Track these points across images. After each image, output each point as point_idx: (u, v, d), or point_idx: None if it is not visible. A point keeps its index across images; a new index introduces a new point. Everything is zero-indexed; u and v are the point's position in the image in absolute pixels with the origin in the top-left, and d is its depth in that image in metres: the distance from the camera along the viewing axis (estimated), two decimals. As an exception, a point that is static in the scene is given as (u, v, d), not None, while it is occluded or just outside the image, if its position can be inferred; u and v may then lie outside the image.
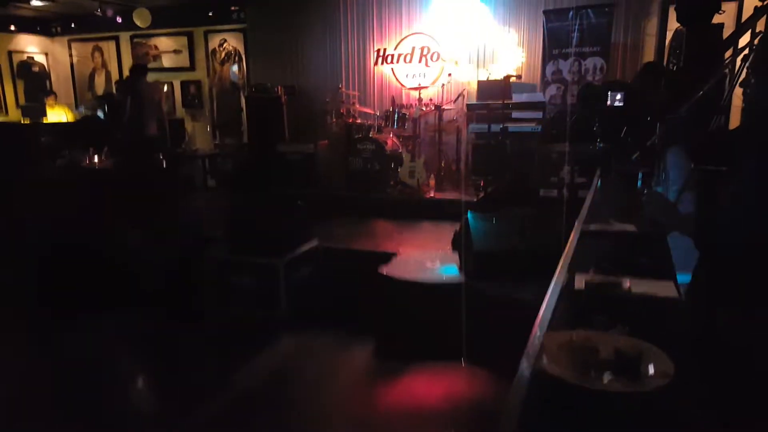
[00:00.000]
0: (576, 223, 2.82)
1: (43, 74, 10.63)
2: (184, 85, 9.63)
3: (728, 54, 3.35)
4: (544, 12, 6.50)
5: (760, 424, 0.90)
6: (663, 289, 1.42)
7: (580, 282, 1.47)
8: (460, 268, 4.12)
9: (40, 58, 10.58)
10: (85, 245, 5.18)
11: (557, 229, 3.89)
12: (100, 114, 8.85)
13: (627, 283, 1.42)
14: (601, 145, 3.42)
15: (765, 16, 3.10)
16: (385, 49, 7.94)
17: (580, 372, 1.01)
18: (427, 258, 4.64)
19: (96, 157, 6.77)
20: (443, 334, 3.80)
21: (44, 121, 8.95)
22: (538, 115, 5.88)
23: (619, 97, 3.17)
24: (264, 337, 4.31)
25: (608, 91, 3.22)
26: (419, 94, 7.30)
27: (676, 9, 4.00)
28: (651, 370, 1.02)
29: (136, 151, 6.88)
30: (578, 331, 1.15)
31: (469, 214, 4.18)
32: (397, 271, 4.27)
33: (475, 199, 6.17)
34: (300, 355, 4.08)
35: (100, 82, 10.41)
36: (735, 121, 4.58)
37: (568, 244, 1.64)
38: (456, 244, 4.67)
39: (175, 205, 6.30)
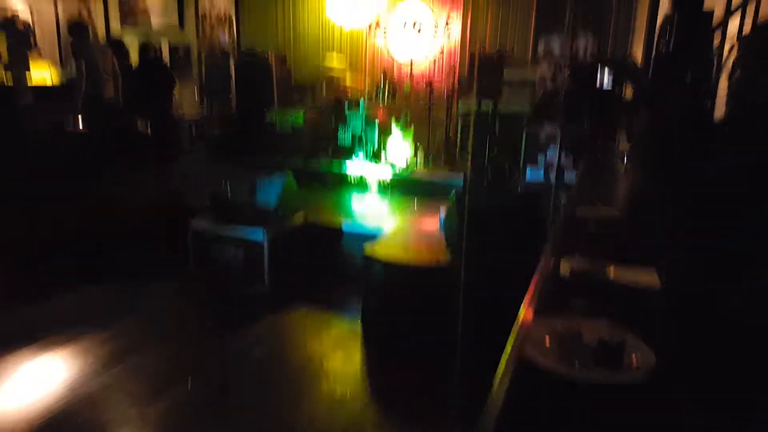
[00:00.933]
0: (562, 207, 2.85)
1: (28, 30, 10.30)
2: (173, 48, 9.41)
3: (716, 42, 3.37)
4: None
5: (744, 417, 0.94)
6: (645, 276, 1.45)
7: (565, 268, 1.49)
8: (447, 250, 4.12)
9: (24, 15, 10.23)
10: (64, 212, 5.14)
11: (544, 211, 3.94)
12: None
13: (611, 270, 1.45)
14: (591, 125, 3.43)
15: (755, 4, 3.11)
16: (378, 20, 7.81)
17: (564, 361, 1.04)
18: (415, 238, 4.65)
19: (81, 120, 6.65)
20: (429, 317, 3.85)
21: (28, 80, 8.70)
22: (528, 92, 5.85)
23: (608, 77, 3.16)
24: (246, 314, 4.33)
25: (597, 70, 3.21)
26: (411, 68, 7.23)
27: (672, -8, 3.98)
28: (633, 360, 1.05)
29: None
30: (561, 318, 1.18)
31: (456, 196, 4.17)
32: (383, 252, 4.27)
33: (462, 179, 6.17)
34: (283, 333, 4.11)
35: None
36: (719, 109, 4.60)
37: (554, 228, 1.66)
38: (444, 225, 4.68)
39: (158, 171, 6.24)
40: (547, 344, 1.09)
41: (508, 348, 1.04)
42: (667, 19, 3.26)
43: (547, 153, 5.06)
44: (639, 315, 1.24)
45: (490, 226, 3.87)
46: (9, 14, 10.02)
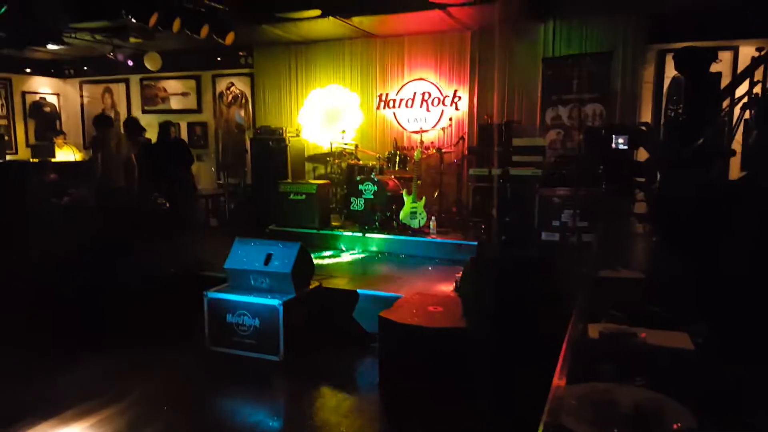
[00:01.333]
0: (585, 270, 2.81)
1: (54, 114, 10.83)
2: (191, 126, 9.79)
3: (726, 103, 3.43)
4: (544, 60, 6.67)
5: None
6: (678, 340, 1.41)
7: (593, 332, 1.46)
8: (464, 314, 4.07)
9: (51, 99, 10.80)
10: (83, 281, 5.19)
11: (564, 274, 3.90)
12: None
13: (642, 334, 1.41)
14: (607, 187, 3.46)
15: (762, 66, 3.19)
16: (387, 94, 8.10)
17: (599, 427, 0.99)
18: (431, 302, 4.60)
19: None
20: (447, 380, 3.75)
21: (52, 160, 9.05)
22: (539, 158, 5.96)
23: (622, 140, 3.22)
24: (261, 382, 4.24)
25: (612, 134, 3.28)
26: (420, 137, 7.41)
27: (674, 58, 4.11)
28: (673, 425, 1.00)
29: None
30: (596, 383, 1.14)
31: (472, 259, 4.17)
32: (400, 316, 4.23)
33: (476, 242, 6.18)
34: (300, 401, 4.01)
35: (108, 122, 10.57)
36: (734, 167, 4.63)
37: (581, 293, 1.63)
38: (460, 289, 4.64)
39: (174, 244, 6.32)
40: (583, 411, 1.04)
41: (545, 416, 1.00)
42: (674, 83, 3.36)
43: (561, 215, 5.09)
44: (675, 378, 1.20)
45: (507, 289, 3.83)
46: (38, 98, 10.57)
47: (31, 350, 4.45)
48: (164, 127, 7.41)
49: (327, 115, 8.18)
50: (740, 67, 6.33)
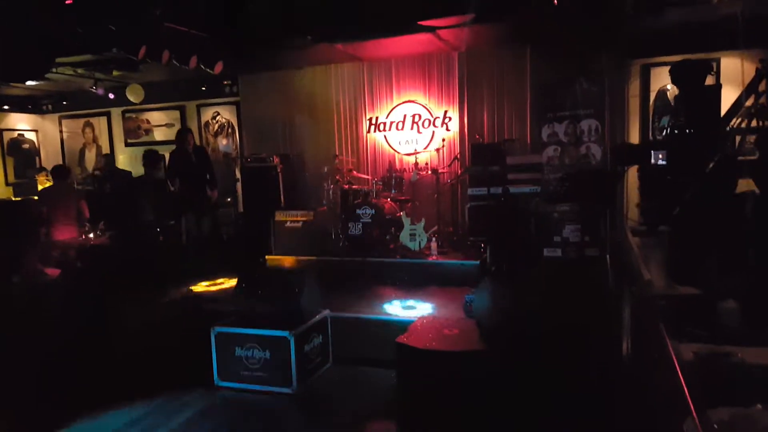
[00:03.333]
0: (631, 287, 2.81)
1: (33, 151, 10.59)
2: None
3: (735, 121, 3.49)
4: (537, 78, 6.80)
5: None
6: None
7: (687, 353, 1.43)
8: (483, 336, 4.04)
9: (30, 135, 10.57)
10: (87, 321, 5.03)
11: (580, 291, 3.90)
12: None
13: (738, 353, 1.39)
14: (645, 202, 3.49)
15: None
16: (377, 117, 8.13)
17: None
18: (445, 325, 4.56)
19: (92, 233, 6.66)
20: (469, 404, 3.70)
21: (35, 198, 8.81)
22: (536, 176, 6.02)
23: (661, 155, 3.26)
24: (275, 416, 4.13)
25: (649, 150, 3.32)
26: (415, 158, 7.43)
27: (670, 71, 4.20)
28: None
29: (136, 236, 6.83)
30: (730, 408, 1.11)
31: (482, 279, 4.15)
32: (417, 340, 4.17)
33: (478, 261, 6.17)
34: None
35: (90, 157, 10.40)
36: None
37: (645, 312, 1.61)
38: (471, 310, 4.61)
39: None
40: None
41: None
42: (659, 96, 3.42)
43: (563, 231, 5.12)
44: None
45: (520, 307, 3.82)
46: (16, 135, 10.33)
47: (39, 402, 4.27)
48: (147, 157, 7.41)
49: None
50: (723, 79, 6.53)
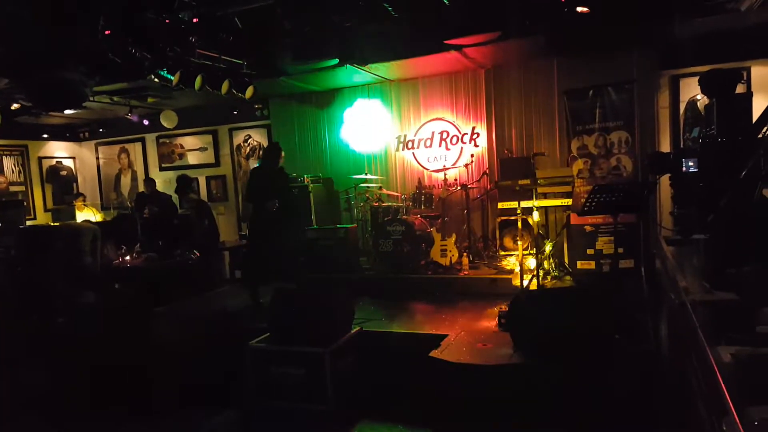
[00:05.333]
0: (667, 295, 2.78)
1: (71, 177, 10.97)
2: (209, 180, 9.91)
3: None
4: (565, 92, 6.80)
5: None
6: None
7: (725, 355, 1.43)
8: (517, 349, 4.01)
9: (68, 162, 10.97)
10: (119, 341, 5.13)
11: (614, 302, 3.86)
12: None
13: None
14: (679, 211, 3.47)
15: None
16: (405, 135, 8.21)
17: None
18: (478, 339, 4.54)
19: (128, 255, 6.84)
20: (506, 417, 3.66)
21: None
22: (567, 189, 5.99)
23: (692, 163, 3.25)
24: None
25: (681, 158, 3.31)
26: (444, 174, 7.46)
27: (700, 81, 4.18)
28: None
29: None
30: None
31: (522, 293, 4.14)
32: (450, 355, 4.17)
33: (510, 276, 6.14)
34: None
35: (126, 182, 10.72)
36: None
37: (686, 317, 1.60)
38: (505, 324, 4.59)
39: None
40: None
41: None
42: (689, 106, 3.40)
43: (595, 243, 5.07)
44: None
45: (557, 321, 3.79)
46: (54, 162, 10.74)
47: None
48: (181, 182, 7.56)
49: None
50: (753, 87, 6.44)
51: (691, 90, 6.77)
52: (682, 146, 6.92)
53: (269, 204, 6.05)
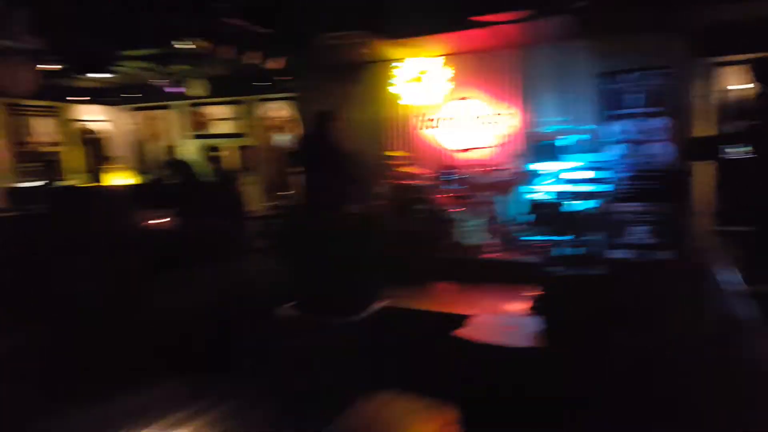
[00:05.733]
0: (710, 286, 2.72)
1: (106, 141, 11.14)
2: (239, 150, 9.97)
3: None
4: (601, 75, 6.60)
5: None
6: None
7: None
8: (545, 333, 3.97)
9: (103, 126, 11.11)
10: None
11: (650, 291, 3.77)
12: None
13: None
14: (723, 202, 3.37)
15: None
16: (433, 114, 8.08)
17: None
18: (501, 321, 4.52)
19: (159, 219, 6.94)
20: (532, 398, 3.64)
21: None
22: (605, 174, 5.84)
23: (736, 150, 3.16)
24: (334, 401, 4.18)
25: (722, 143, 3.20)
26: (473, 155, 7.36)
27: (752, 68, 4.04)
28: None
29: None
30: None
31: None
32: (474, 335, 4.15)
33: (538, 260, 6.06)
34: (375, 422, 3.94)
35: (156, 148, 10.83)
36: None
37: (731, 308, 1.55)
38: (537, 308, 4.53)
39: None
40: None
41: None
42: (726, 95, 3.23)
43: (633, 232, 4.95)
44: None
45: (585, 306, 3.73)
46: (88, 126, 10.90)
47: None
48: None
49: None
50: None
51: (728, 79, 6.51)
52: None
53: None
